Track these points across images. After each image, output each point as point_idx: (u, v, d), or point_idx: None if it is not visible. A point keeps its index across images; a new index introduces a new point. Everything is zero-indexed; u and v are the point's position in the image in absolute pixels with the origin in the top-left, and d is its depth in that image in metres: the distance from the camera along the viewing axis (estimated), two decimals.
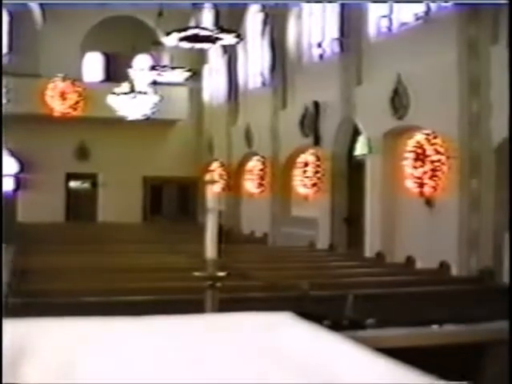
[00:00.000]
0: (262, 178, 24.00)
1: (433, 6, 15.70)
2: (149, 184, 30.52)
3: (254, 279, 11.21)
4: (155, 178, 30.13)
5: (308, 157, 20.72)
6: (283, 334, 2.21)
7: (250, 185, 24.86)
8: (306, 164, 20.72)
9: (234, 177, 26.28)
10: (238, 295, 8.76)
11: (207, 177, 6.61)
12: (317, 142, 19.84)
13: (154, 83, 24.42)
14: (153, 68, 23.60)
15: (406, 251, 14.69)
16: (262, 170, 23.98)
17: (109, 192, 29.35)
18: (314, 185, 20.29)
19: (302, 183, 20.92)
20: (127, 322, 2.36)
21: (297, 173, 21.31)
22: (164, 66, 23.80)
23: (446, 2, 14.94)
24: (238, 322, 2.37)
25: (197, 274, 5.78)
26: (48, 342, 2.03)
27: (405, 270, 13.61)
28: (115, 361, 1.93)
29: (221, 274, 5.69)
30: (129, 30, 28.52)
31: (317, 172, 20.19)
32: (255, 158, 24.62)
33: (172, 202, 31.08)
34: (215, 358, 1.94)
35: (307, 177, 20.60)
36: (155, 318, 2.47)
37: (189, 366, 1.88)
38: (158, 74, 23.19)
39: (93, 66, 30.82)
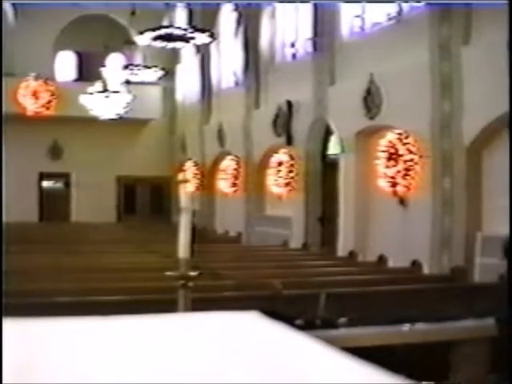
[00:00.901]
0: (235, 177, 24.00)
1: (405, 6, 15.78)
2: (122, 183, 30.45)
3: (227, 278, 11.21)
4: (129, 178, 30.06)
5: (281, 156, 20.76)
6: (249, 334, 2.23)
7: (223, 184, 24.86)
8: (280, 163, 20.76)
9: (207, 176, 26.26)
10: (211, 295, 8.77)
11: (180, 176, 6.61)
12: (290, 141, 19.88)
13: (127, 82, 24.37)
14: (126, 67, 23.57)
15: (378, 250, 14.76)
16: (235, 169, 23.99)
17: (82, 191, 29.24)
18: (288, 184, 20.33)
19: (275, 182, 20.96)
20: (99, 322, 2.37)
21: (270, 172, 21.35)
22: (137, 65, 23.78)
23: (418, 1, 15.02)
24: (205, 321, 2.38)
25: (169, 273, 5.79)
26: (16, 342, 2.04)
27: (377, 268, 13.66)
28: (87, 360, 1.94)
29: (193, 273, 5.69)
30: (102, 29, 28.43)
31: (290, 171, 20.23)
32: (229, 157, 24.62)
33: (146, 201, 31.01)
34: (182, 358, 1.95)
35: (281, 176, 20.64)
36: (127, 317, 2.48)
37: (157, 366, 1.89)
38: (131, 73, 23.15)
39: (65, 64, 30.68)
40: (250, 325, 2.33)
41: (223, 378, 1.81)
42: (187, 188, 6.20)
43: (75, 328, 2.28)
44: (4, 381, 1.75)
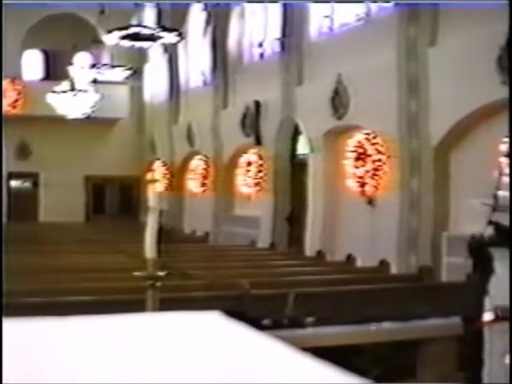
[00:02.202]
0: (204, 177, 23.97)
1: (373, 7, 15.85)
2: (91, 183, 30.30)
3: (196, 278, 11.20)
4: (97, 177, 29.92)
5: (250, 156, 20.76)
6: (209, 334, 2.23)
7: (192, 184, 24.81)
8: (249, 163, 20.76)
9: (176, 176, 26.20)
10: (178, 295, 8.75)
11: (148, 176, 6.59)
12: (258, 141, 19.89)
13: (95, 81, 24.25)
14: (93, 66, 23.46)
15: (346, 250, 14.80)
16: (204, 169, 23.95)
17: (50, 191, 29.04)
18: (257, 184, 20.33)
19: (244, 182, 20.95)
20: (66, 323, 2.36)
21: (240, 172, 21.34)
22: (104, 65, 23.69)
23: (387, 1, 15.08)
24: (166, 321, 2.38)
25: (137, 273, 5.78)
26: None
27: (345, 268, 13.70)
28: (54, 360, 1.93)
29: (161, 273, 5.69)
30: (70, 28, 28.24)
31: (259, 171, 20.24)
32: (198, 157, 24.58)
33: (114, 201, 30.88)
34: (140, 358, 1.95)
35: (250, 176, 20.64)
36: (91, 318, 2.47)
37: (114, 366, 1.89)
38: (99, 73, 23.04)
39: (33, 63, 30.45)
40: (211, 325, 2.34)
41: (180, 377, 1.81)
42: (156, 188, 6.19)
43: (41, 328, 2.27)
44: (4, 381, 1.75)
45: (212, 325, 2.35)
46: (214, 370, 1.89)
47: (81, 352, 2.01)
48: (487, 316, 5.15)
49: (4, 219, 28.31)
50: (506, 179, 10.94)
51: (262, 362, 1.99)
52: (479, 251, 5.58)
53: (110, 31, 18.73)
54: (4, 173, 28.65)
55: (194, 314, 2.45)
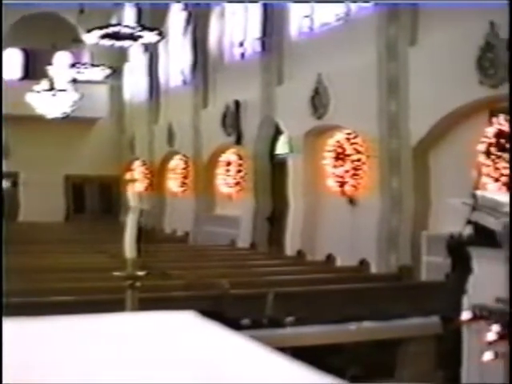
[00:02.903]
0: (184, 176, 23.95)
1: (353, 7, 15.89)
2: (71, 182, 30.21)
3: (176, 278, 11.18)
4: (77, 177, 29.83)
5: (230, 156, 20.77)
6: (182, 333, 2.23)
7: (172, 184, 24.78)
8: (229, 163, 20.77)
9: (156, 175, 26.17)
10: (158, 295, 8.73)
11: (128, 176, 6.58)
12: (239, 141, 19.88)
13: (74, 81, 24.17)
14: (73, 65, 23.39)
15: (326, 249, 14.81)
16: (184, 168, 23.93)
17: (30, 191, 28.91)
18: (237, 184, 20.34)
19: (225, 182, 20.96)
20: (46, 323, 2.35)
21: (220, 172, 21.34)
22: (84, 64, 23.60)
23: (366, 1, 15.12)
24: (141, 321, 2.38)
25: (116, 273, 5.76)
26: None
27: (325, 267, 13.71)
28: (33, 360, 1.93)
29: (140, 273, 5.68)
30: (49, 27, 28.11)
31: (239, 171, 20.24)
32: (177, 156, 24.55)
33: (94, 200, 30.79)
34: (114, 357, 1.95)
35: (230, 176, 20.64)
36: (72, 318, 2.47)
37: (89, 366, 1.89)
38: (78, 72, 22.98)
39: (12, 62, 30.28)
40: (185, 325, 2.34)
41: (150, 376, 1.81)
42: (135, 187, 6.18)
43: (20, 329, 2.26)
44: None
45: (186, 324, 2.35)
46: (185, 369, 1.89)
47: (55, 354, 2.00)
48: (465, 315, 5.17)
49: None
50: (484, 178, 11.00)
51: (235, 361, 1.99)
52: (458, 250, 5.60)
53: (89, 30, 18.69)
54: None
55: (169, 313, 2.45)
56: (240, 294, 9.59)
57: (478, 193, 5.61)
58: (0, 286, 8.26)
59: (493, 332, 4.90)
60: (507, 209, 5.26)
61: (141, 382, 1.77)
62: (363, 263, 13.19)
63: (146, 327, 2.30)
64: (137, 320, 2.45)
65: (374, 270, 13.42)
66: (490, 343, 4.90)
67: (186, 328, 2.32)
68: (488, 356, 4.93)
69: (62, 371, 1.86)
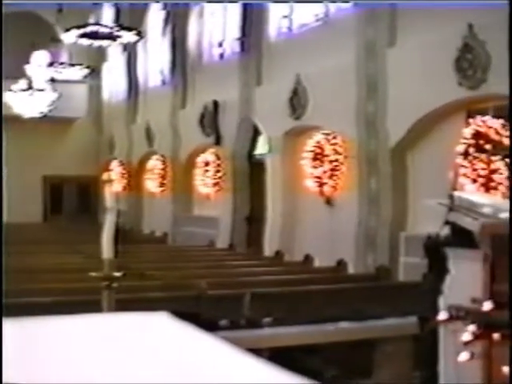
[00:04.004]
0: (163, 177, 23.89)
1: (332, 7, 15.91)
2: (48, 183, 30.04)
3: (153, 279, 11.16)
4: (55, 177, 29.66)
5: (208, 156, 20.75)
6: (155, 334, 2.22)
7: (151, 184, 24.72)
8: (207, 163, 20.75)
9: (135, 176, 26.09)
10: (136, 295, 8.71)
11: (104, 176, 6.54)
12: (217, 141, 19.87)
13: (52, 80, 24.05)
14: (51, 65, 23.27)
15: (305, 250, 14.83)
16: (162, 169, 23.88)
17: (7, 191, 28.71)
18: (216, 184, 20.32)
19: (203, 182, 20.93)
20: (21, 323, 2.34)
21: (198, 172, 21.31)
22: (62, 63, 23.50)
23: (345, 1, 15.15)
24: (114, 322, 2.37)
25: (93, 274, 5.73)
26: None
27: (303, 268, 13.73)
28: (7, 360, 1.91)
29: (117, 274, 5.65)
30: (27, 26, 27.98)
31: (218, 171, 20.23)
32: (156, 156, 24.50)
33: (72, 201, 30.65)
34: (88, 358, 1.94)
35: (208, 176, 20.62)
36: (46, 319, 2.45)
37: (62, 366, 1.88)
38: (56, 71, 22.87)
39: None
40: (156, 326, 2.33)
41: (117, 377, 1.80)
42: (112, 188, 6.15)
43: None
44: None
45: (159, 326, 2.34)
46: (156, 369, 1.89)
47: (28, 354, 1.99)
48: (441, 315, 5.19)
49: None
50: (461, 179, 11.04)
51: (205, 362, 1.98)
52: (435, 251, 5.62)
53: (67, 30, 18.61)
54: None
55: (143, 314, 2.44)
56: (218, 294, 9.59)
57: (455, 193, 5.64)
58: (0, 286, 8.23)
59: (469, 332, 4.92)
60: (484, 209, 5.28)
61: (111, 381, 1.76)
62: (341, 264, 13.22)
63: (119, 328, 2.29)
64: (110, 321, 2.44)
65: (351, 270, 13.45)
66: (466, 343, 4.92)
67: (158, 329, 2.31)
68: (464, 356, 4.95)
69: (37, 371, 1.84)
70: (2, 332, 1.99)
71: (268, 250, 16.79)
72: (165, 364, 1.93)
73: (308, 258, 14.09)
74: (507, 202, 6.76)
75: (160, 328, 2.32)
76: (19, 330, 2.28)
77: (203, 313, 7.66)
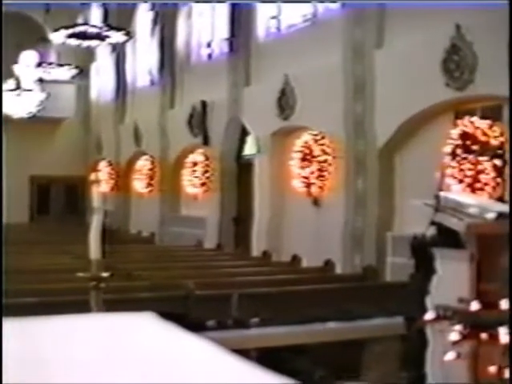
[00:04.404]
0: (151, 177, 23.86)
1: (320, 8, 15.93)
2: (36, 183, 29.93)
3: (141, 279, 11.15)
4: (42, 178, 29.56)
5: (197, 156, 20.73)
6: (139, 335, 2.22)
7: (138, 184, 24.68)
8: (195, 164, 20.73)
9: (122, 176, 26.04)
10: (123, 296, 8.69)
11: (92, 176, 6.54)
12: (205, 141, 19.86)
13: (41, 80, 23.99)
14: (39, 65, 23.22)
15: (292, 250, 14.83)
16: (150, 169, 23.85)
17: None
18: (204, 184, 20.31)
19: (191, 183, 20.91)
20: (7, 324, 2.33)
21: (186, 172, 21.29)
22: (50, 63, 23.44)
23: (333, 1, 15.16)
24: (100, 322, 2.37)
25: (81, 274, 5.73)
26: None
27: (291, 268, 13.73)
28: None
29: (105, 274, 5.65)
30: (15, 26, 27.87)
31: (206, 171, 20.22)
32: (144, 157, 24.46)
33: (60, 201, 30.55)
34: (70, 358, 1.94)
35: (196, 176, 20.61)
36: (35, 319, 2.45)
37: (44, 366, 1.88)
38: (45, 71, 22.82)
39: None
40: (142, 326, 2.33)
41: (102, 376, 1.81)
42: (100, 188, 6.15)
43: None
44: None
45: (142, 326, 2.35)
46: (135, 369, 1.89)
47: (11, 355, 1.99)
48: (428, 315, 5.21)
49: None
50: (448, 180, 11.07)
51: (187, 362, 1.99)
52: (421, 251, 5.64)
53: (56, 30, 18.57)
54: None
55: (127, 315, 2.44)
56: (205, 295, 9.58)
57: (442, 194, 5.66)
58: (0, 286, 8.21)
59: (456, 332, 4.94)
60: (470, 210, 5.30)
61: (92, 381, 1.77)
62: (328, 264, 13.23)
63: (103, 329, 2.29)
64: (94, 322, 2.44)
65: (339, 270, 13.46)
66: (454, 343, 4.94)
67: (142, 329, 2.31)
68: (450, 356, 4.97)
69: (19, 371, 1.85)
70: (1, 332, 2.00)
71: (256, 250, 16.79)
72: (147, 364, 1.94)
73: (295, 258, 14.09)
74: (493, 202, 6.79)
75: (144, 328, 2.33)
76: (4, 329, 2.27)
77: (191, 313, 7.67)
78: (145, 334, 2.27)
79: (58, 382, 1.78)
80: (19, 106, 23.12)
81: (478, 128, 11.40)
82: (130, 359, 1.96)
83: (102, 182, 18.04)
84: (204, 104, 19.72)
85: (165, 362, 1.96)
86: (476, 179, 11.26)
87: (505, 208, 5.50)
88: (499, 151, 11.21)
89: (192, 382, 1.81)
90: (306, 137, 15.56)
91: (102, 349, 2.05)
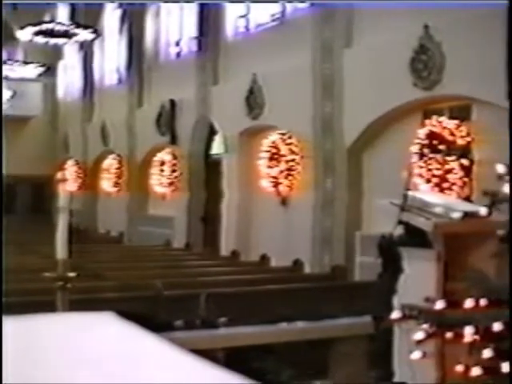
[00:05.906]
0: (118, 176, 23.73)
1: (289, 7, 15.94)
2: (1, 182, 29.65)
3: (108, 279, 11.08)
4: (8, 177, 29.30)
5: (165, 155, 20.66)
6: (98, 334, 2.21)
7: (106, 183, 24.55)
8: (163, 163, 20.66)
9: (90, 175, 25.89)
10: (91, 296, 8.63)
11: (58, 175, 6.50)
12: (173, 140, 19.80)
13: (7, 78, 23.79)
14: (5, 62, 23.01)
15: (261, 249, 14.84)
16: (118, 168, 23.72)
17: None
18: (171, 184, 20.25)
19: (159, 182, 20.84)
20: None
21: (154, 171, 21.21)
22: (16, 61, 23.26)
23: (302, 1, 15.18)
24: (60, 321, 2.35)
25: (47, 274, 5.68)
26: None
27: (259, 268, 13.74)
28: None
29: (71, 274, 5.60)
30: None
31: (174, 171, 20.16)
32: (111, 156, 24.33)
33: (26, 200, 30.32)
34: (29, 358, 1.93)
35: (164, 176, 20.54)
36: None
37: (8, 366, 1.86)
38: (10, 69, 22.63)
39: None
40: (99, 326, 2.32)
41: (70, 377, 1.79)
42: (66, 187, 6.10)
43: None
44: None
45: (100, 325, 2.33)
46: (87, 369, 1.87)
47: None
48: (395, 314, 5.22)
49: None
50: (416, 179, 11.13)
51: (142, 362, 1.97)
52: (389, 251, 5.66)
53: (22, 27, 18.44)
54: None
55: (87, 314, 2.42)
56: (174, 294, 9.56)
57: (409, 193, 5.68)
58: (0, 286, 8.13)
59: (422, 331, 4.96)
60: (436, 209, 5.32)
61: (48, 381, 1.75)
62: (297, 263, 13.26)
63: (59, 328, 2.27)
64: (53, 321, 2.42)
65: (308, 270, 13.48)
66: (419, 342, 4.96)
67: (100, 329, 2.30)
68: (416, 355, 4.99)
69: None
70: (1, 332, 1.97)
71: (224, 249, 16.77)
72: (101, 364, 1.92)
73: (264, 258, 14.11)
74: (459, 201, 6.82)
75: (102, 328, 2.31)
76: None
77: (159, 313, 7.64)
78: (101, 333, 2.25)
79: (14, 381, 1.76)
80: None
81: (445, 128, 11.46)
82: (83, 359, 1.95)
83: (69, 180, 17.96)
84: (173, 103, 19.66)
85: (120, 362, 1.94)
86: (444, 179, 11.32)
87: (471, 207, 5.53)
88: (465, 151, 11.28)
89: (148, 383, 1.80)
90: (274, 136, 15.55)
91: (59, 349, 2.03)
